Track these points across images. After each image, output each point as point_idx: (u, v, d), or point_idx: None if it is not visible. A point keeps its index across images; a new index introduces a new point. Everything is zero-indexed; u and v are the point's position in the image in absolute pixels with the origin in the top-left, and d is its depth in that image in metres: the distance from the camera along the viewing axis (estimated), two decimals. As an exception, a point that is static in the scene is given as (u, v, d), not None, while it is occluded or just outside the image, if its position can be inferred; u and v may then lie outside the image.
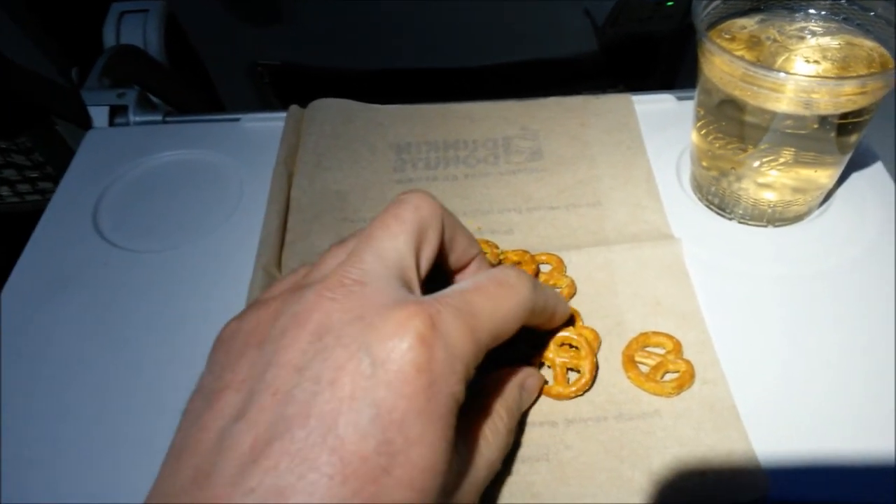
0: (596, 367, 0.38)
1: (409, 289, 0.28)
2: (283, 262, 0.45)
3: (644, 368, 0.38)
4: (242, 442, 0.23)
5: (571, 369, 0.38)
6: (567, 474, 0.34)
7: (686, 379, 0.37)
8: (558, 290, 0.42)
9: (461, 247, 0.33)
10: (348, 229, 0.47)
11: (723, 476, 0.34)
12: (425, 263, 0.30)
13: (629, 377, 0.38)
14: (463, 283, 0.29)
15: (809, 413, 0.36)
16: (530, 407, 0.37)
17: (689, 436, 0.35)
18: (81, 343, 0.42)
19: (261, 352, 0.26)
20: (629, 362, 0.38)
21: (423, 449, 0.24)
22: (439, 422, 0.25)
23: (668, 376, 0.38)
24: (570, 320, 0.39)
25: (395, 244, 0.28)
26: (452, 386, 0.25)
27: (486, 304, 0.28)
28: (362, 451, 0.23)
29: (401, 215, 0.29)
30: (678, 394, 0.37)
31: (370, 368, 0.24)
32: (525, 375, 0.35)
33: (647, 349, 0.39)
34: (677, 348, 0.39)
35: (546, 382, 0.37)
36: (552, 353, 0.38)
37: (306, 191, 0.50)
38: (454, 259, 0.33)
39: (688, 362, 0.38)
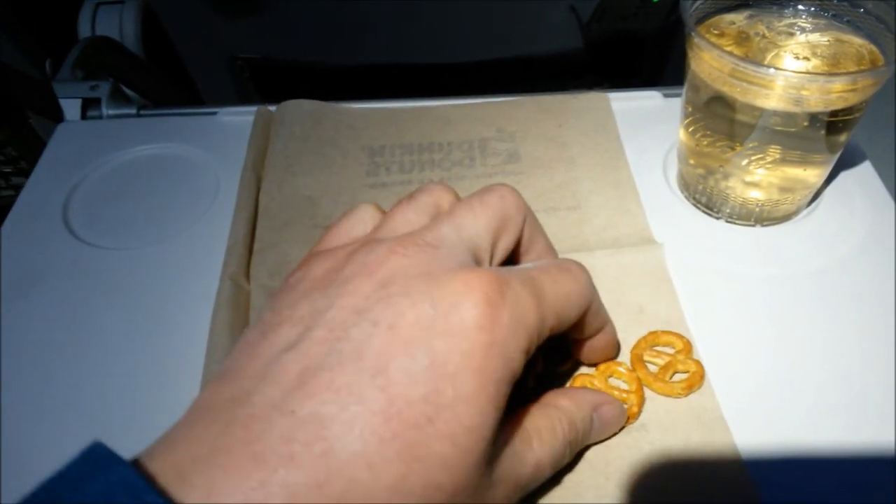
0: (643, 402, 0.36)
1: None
2: (251, 272, 0.43)
3: (653, 368, 0.37)
4: (290, 370, 0.23)
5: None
6: (551, 493, 0.32)
7: (696, 380, 0.36)
8: None
9: (537, 250, 0.33)
10: (320, 236, 0.45)
11: (712, 492, 0.32)
12: (501, 252, 0.30)
13: (637, 377, 0.37)
14: (527, 264, 0.30)
15: (799, 417, 0.36)
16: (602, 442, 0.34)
17: (677, 450, 0.34)
18: (50, 344, 0.40)
19: (324, 294, 0.25)
20: (637, 361, 0.37)
21: (471, 407, 0.23)
22: (492, 386, 0.24)
23: (678, 377, 0.37)
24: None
25: (476, 223, 0.29)
26: (512, 353, 0.25)
27: (551, 283, 0.28)
28: (409, 396, 0.22)
29: (486, 200, 0.30)
30: (687, 395, 0.36)
31: (431, 319, 0.24)
32: (603, 401, 0.33)
33: (656, 348, 0.38)
34: (687, 348, 0.38)
35: (628, 420, 0.35)
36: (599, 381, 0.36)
37: (275, 197, 0.48)
38: (528, 261, 0.32)
39: (697, 362, 0.37)
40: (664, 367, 0.37)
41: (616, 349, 0.37)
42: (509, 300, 0.25)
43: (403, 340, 0.23)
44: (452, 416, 0.23)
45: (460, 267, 0.26)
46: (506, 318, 0.25)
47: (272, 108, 0.55)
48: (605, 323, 0.34)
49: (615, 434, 0.34)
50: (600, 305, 0.32)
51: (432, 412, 0.22)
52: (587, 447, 0.34)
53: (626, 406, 0.35)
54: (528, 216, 0.32)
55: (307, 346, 0.24)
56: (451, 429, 0.23)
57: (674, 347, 0.38)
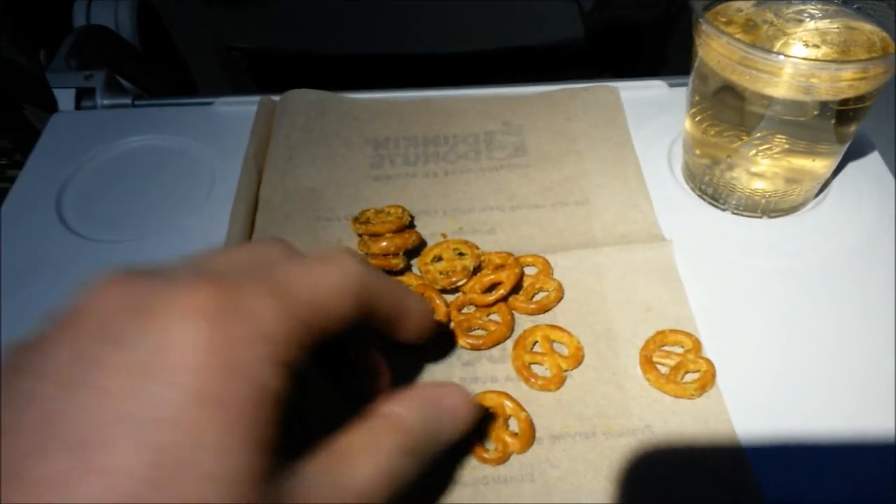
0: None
1: None
2: None
3: (663, 370, 0.36)
4: None
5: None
6: (553, 496, 0.32)
7: (708, 379, 0.35)
8: (545, 293, 0.40)
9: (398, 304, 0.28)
10: (323, 229, 0.44)
11: (716, 493, 0.32)
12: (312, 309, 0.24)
13: (648, 379, 0.36)
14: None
15: (807, 413, 0.35)
16: (473, 440, 0.32)
17: (682, 454, 0.33)
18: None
19: (26, 374, 0.20)
20: (647, 363, 0.36)
21: (218, 452, 0.19)
22: (238, 416, 0.20)
23: (689, 377, 0.36)
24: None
25: (216, 257, 0.25)
26: (259, 370, 0.21)
27: (302, 277, 0.23)
28: (130, 465, 0.18)
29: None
30: (700, 395, 0.35)
31: (143, 360, 0.19)
32: (442, 393, 0.28)
33: (665, 348, 0.37)
34: (696, 346, 0.37)
35: (488, 412, 0.34)
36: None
37: (277, 188, 0.47)
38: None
39: (708, 361, 0.36)
40: (675, 368, 0.36)
41: (424, 319, 0.30)
42: (240, 308, 0.21)
43: (115, 399, 0.19)
44: (193, 470, 0.19)
45: (176, 286, 0.21)
46: (237, 330, 0.20)
47: (275, 97, 0.54)
48: (403, 305, 0.29)
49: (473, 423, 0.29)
50: (388, 287, 0.27)
51: (166, 476, 0.18)
52: (589, 451, 0.33)
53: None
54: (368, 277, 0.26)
55: (6, 443, 0.19)
56: (194, 489, 0.19)
57: (683, 346, 0.37)
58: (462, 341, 0.38)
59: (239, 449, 0.20)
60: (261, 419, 0.20)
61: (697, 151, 0.45)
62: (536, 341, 0.38)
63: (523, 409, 0.34)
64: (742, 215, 0.45)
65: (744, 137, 0.41)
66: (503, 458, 0.33)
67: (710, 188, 0.45)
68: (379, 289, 0.27)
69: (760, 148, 0.41)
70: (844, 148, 0.43)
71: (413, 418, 0.26)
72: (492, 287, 0.40)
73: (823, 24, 0.41)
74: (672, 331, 0.38)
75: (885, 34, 0.40)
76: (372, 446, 0.24)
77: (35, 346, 0.21)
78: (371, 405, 0.26)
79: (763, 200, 0.44)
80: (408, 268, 0.42)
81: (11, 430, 0.19)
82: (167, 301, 0.21)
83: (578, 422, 0.35)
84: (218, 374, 0.20)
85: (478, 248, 0.41)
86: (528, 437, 0.34)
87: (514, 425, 0.34)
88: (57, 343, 0.21)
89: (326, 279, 0.24)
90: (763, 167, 0.42)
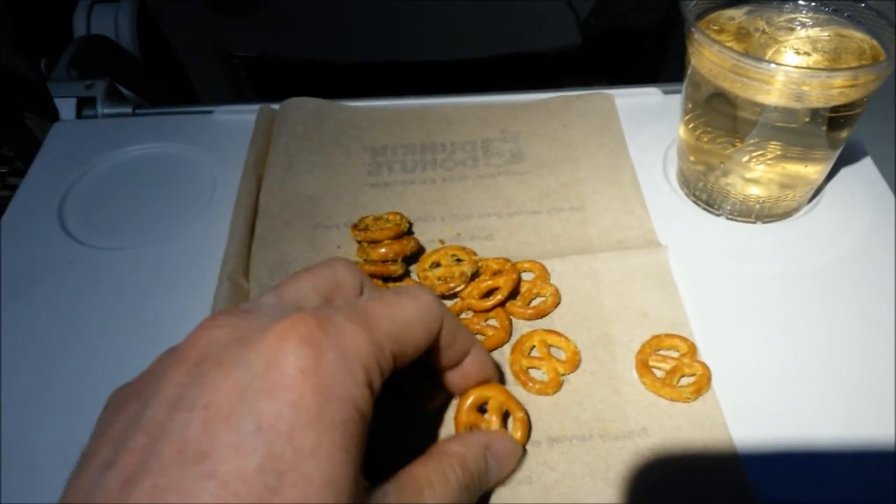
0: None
1: None
2: (251, 270, 0.43)
3: (659, 373, 0.37)
4: (111, 488, 0.21)
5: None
6: (551, 499, 0.32)
7: (703, 382, 0.36)
8: (542, 298, 0.41)
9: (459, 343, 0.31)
10: (321, 236, 0.45)
11: (712, 496, 0.32)
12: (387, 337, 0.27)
13: (644, 383, 0.36)
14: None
15: (801, 416, 0.35)
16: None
17: (679, 457, 0.34)
18: (46, 344, 0.40)
19: (139, 399, 0.23)
20: (643, 367, 0.37)
21: (319, 461, 0.21)
22: (336, 431, 0.22)
23: (684, 380, 0.36)
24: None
25: (299, 288, 0.27)
26: (350, 389, 0.23)
27: (383, 309, 0.26)
28: (243, 471, 0.20)
29: (315, 270, 0.29)
30: (695, 399, 0.36)
31: (248, 380, 0.22)
32: (494, 439, 0.32)
33: (661, 352, 0.38)
34: (692, 350, 0.37)
35: (525, 454, 0.34)
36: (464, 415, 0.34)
37: (277, 196, 0.47)
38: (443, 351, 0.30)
39: (703, 364, 0.37)
40: (670, 372, 0.36)
41: (491, 370, 0.34)
42: (332, 335, 0.23)
43: (223, 415, 0.21)
44: (299, 478, 0.21)
45: (275, 320, 0.24)
46: (331, 355, 0.23)
47: (275, 106, 0.54)
48: (470, 344, 0.32)
49: (516, 468, 0.33)
50: (458, 326, 0.30)
51: (274, 480, 0.20)
52: (586, 453, 0.34)
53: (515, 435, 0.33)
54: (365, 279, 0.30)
55: (125, 459, 0.21)
56: (300, 492, 0.21)
57: (678, 351, 0.38)
58: None
59: (343, 461, 0.22)
60: (355, 436, 0.23)
61: (692, 158, 0.45)
62: (534, 346, 0.38)
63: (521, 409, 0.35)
64: (736, 221, 0.46)
65: (737, 144, 0.41)
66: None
67: (705, 194, 0.46)
68: (452, 324, 0.29)
69: (754, 154, 0.42)
70: (836, 153, 0.43)
71: (474, 458, 0.29)
72: (489, 292, 0.40)
73: (815, 32, 0.42)
74: (668, 335, 0.38)
75: (875, 42, 0.40)
76: (442, 480, 0.27)
77: (139, 381, 0.24)
78: (435, 444, 0.29)
79: (757, 206, 0.45)
80: (406, 274, 0.42)
81: (124, 450, 0.21)
82: (270, 331, 0.23)
83: (575, 425, 0.35)
84: (319, 393, 0.22)
85: (475, 254, 0.42)
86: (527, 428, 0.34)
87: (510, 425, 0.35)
88: (164, 373, 0.23)
89: (404, 311, 0.27)
90: (757, 173, 0.43)
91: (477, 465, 0.29)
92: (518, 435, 0.34)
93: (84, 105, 0.57)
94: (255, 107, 0.54)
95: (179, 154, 0.52)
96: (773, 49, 0.41)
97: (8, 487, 0.34)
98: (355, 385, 0.23)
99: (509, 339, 0.39)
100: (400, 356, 0.26)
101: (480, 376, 0.33)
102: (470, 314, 0.40)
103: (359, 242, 0.43)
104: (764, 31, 0.42)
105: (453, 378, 0.32)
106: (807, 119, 0.39)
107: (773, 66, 0.37)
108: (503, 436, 0.32)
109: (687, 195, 0.48)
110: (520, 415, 0.34)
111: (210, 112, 0.55)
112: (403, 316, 0.27)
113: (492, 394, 0.33)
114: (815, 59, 0.40)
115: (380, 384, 0.25)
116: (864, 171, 0.48)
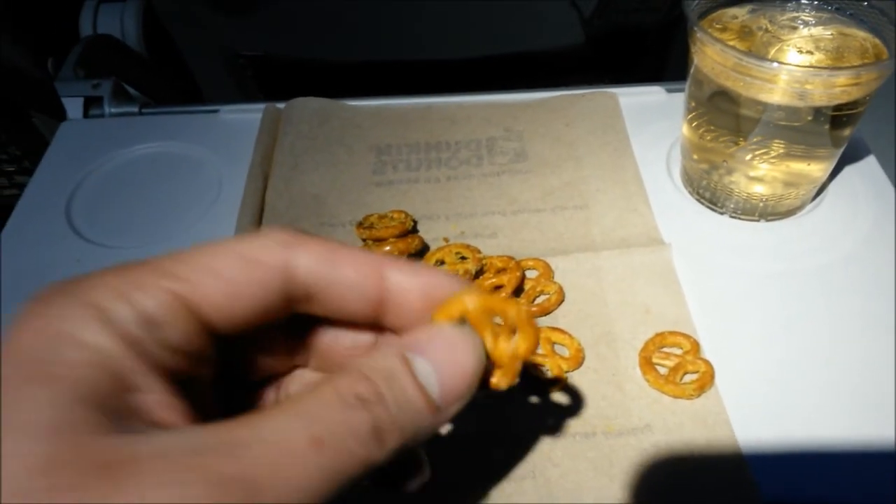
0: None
1: None
2: None
3: (662, 371, 0.37)
4: None
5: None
6: (554, 494, 0.32)
7: (707, 379, 0.36)
8: (546, 296, 0.41)
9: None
10: (327, 234, 0.45)
11: (715, 493, 0.32)
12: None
13: (647, 380, 0.37)
14: None
15: (804, 414, 0.36)
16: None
17: (682, 453, 0.34)
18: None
19: None
20: (646, 364, 0.37)
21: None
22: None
23: (688, 378, 0.37)
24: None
25: None
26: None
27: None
28: None
29: None
30: (698, 396, 0.36)
31: None
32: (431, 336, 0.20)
33: (664, 350, 0.38)
34: (695, 348, 0.38)
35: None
36: None
37: (282, 195, 0.48)
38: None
39: (706, 362, 0.37)
40: (674, 369, 0.37)
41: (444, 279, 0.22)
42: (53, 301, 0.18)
43: None
44: None
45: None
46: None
47: (280, 105, 0.55)
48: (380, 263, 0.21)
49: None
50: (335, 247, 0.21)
51: None
52: (590, 449, 0.34)
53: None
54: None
55: None
56: None
57: (681, 348, 0.38)
58: None
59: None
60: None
61: (695, 156, 0.46)
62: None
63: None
64: (740, 219, 0.46)
65: (740, 142, 0.42)
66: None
67: (708, 192, 0.46)
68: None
69: (757, 152, 0.42)
70: (840, 151, 0.43)
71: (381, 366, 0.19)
72: (494, 290, 0.41)
73: (817, 30, 0.42)
74: (671, 332, 0.38)
75: (877, 40, 0.41)
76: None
77: None
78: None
79: (760, 204, 0.45)
80: (411, 272, 0.42)
81: None
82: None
83: (579, 421, 0.35)
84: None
85: (479, 252, 0.42)
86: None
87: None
88: None
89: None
90: (760, 171, 0.43)
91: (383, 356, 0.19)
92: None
93: (91, 104, 0.57)
94: (261, 106, 0.54)
95: (185, 153, 0.52)
96: (776, 48, 0.41)
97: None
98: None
99: None
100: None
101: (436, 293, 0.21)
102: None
103: (364, 241, 0.43)
104: (766, 30, 0.42)
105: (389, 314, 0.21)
106: (810, 117, 0.39)
107: (775, 64, 0.37)
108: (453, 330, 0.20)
109: (690, 193, 0.48)
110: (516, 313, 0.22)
111: (216, 111, 0.55)
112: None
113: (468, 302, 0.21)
114: (817, 57, 0.40)
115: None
116: (868, 169, 0.48)
